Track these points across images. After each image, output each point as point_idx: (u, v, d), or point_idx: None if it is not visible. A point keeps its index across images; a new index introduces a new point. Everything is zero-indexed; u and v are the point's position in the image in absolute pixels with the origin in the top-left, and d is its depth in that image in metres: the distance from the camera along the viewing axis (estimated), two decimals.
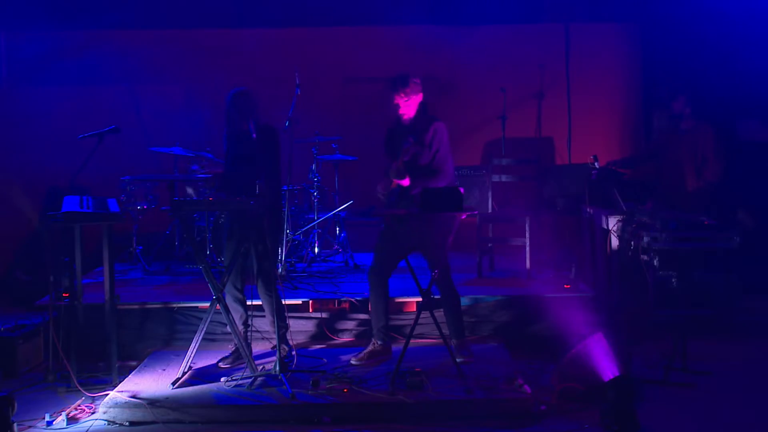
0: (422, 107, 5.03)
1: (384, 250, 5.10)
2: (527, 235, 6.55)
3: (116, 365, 4.93)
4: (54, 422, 4.28)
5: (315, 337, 5.74)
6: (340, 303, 5.83)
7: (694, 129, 6.48)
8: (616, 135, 8.41)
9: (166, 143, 7.14)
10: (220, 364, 5.05)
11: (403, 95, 4.95)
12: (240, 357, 4.93)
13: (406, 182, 4.93)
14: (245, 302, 5.06)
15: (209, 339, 5.46)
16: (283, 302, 5.16)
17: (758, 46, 7.16)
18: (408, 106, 4.98)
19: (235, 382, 4.63)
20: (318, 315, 5.77)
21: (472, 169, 6.96)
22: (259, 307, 5.20)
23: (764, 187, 7.25)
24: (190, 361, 4.75)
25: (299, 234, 7.08)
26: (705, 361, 5.11)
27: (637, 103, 8.46)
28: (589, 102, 8.36)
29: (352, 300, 5.81)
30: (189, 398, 4.45)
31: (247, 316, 5.06)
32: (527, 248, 6.53)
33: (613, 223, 6.05)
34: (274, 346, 4.88)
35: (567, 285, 5.97)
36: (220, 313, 4.78)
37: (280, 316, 5.01)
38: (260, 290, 5.06)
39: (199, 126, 7.83)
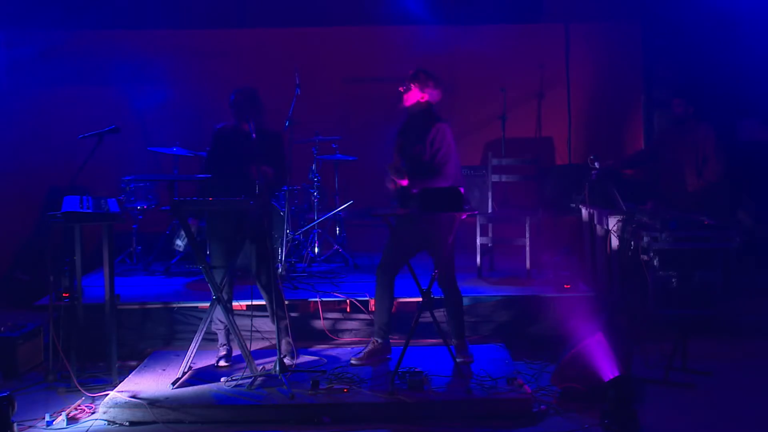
0: (428, 107, 5.06)
1: (392, 248, 5.09)
2: (527, 235, 6.55)
3: (116, 365, 4.93)
4: (54, 422, 4.27)
5: (315, 337, 5.74)
6: (340, 303, 5.83)
7: (694, 129, 6.47)
8: (616, 135, 8.40)
9: (166, 143, 7.14)
10: (220, 363, 5.05)
11: (404, 86, 5.03)
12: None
13: (404, 181, 4.95)
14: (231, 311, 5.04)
15: (209, 339, 5.45)
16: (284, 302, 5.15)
17: (759, 45, 7.17)
18: (406, 98, 5.05)
19: (235, 382, 4.63)
20: (318, 315, 5.77)
21: (472, 169, 6.96)
22: (260, 308, 5.19)
23: (764, 187, 7.25)
24: (190, 361, 4.75)
25: (299, 234, 7.08)
26: (705, 361, 5.11)
27: (637, 103, 8.46)
28: (589, 102, 8.35)
29: (353, 300, 5.81)
30: (189, 398, 4.45)
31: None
32: (527, 248, 6.53)
33: (613, 223, 6.04)
34: (275, 346, 4.87)
35: (567, 285, 5.96)
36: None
37: (281, 316, 5.00)
38: (261, 290, 5.06)
39: (198, 126, 7.83)
